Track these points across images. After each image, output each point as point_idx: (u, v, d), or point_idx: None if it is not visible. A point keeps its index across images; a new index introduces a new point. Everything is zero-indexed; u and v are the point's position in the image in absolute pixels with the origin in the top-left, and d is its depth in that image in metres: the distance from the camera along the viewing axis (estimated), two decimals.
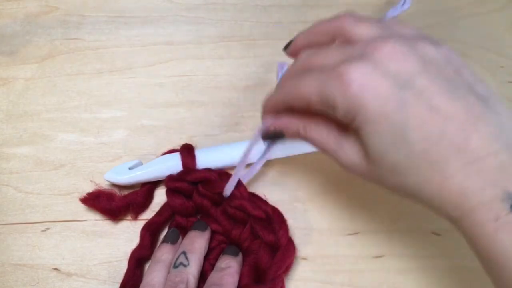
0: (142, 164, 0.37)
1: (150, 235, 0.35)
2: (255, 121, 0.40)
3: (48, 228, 0.37)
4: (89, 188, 0.37)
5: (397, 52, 0.25)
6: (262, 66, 0.42)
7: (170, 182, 0.35)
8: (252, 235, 0.34)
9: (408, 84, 0.25)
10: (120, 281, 0.34)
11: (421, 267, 0.35)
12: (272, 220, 0.34)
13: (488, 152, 0.24)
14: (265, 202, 0.35)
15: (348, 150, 0.28)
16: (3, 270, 0.36)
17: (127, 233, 0.37)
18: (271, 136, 0.31)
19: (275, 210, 0.35)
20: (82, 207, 0.37)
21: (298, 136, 0.30)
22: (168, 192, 0.36)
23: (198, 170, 0.36)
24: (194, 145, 0.37)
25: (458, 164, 0.24)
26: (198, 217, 0.36)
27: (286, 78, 0.30)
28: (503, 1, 0.45)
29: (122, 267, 0.35)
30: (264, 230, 0.34)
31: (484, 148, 0.24)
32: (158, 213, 0.36)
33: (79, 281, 0.35)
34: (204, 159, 0.36)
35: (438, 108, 0.25)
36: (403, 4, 0.40)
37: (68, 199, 0.38)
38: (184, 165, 0.36)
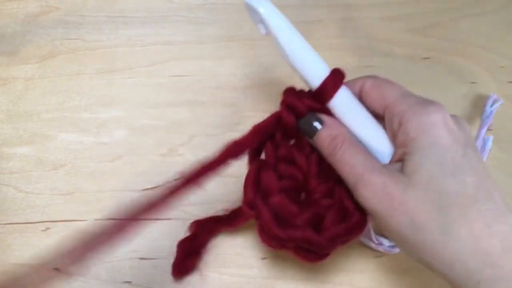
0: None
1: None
2: (255, 121, 0.39)
3: (48, 228, 0.37)
4: (90, 188, 0.37)
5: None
6: (262, 66, 0.42)
7: (297, 98, 0.30)
8: (327, 193, 0.30)
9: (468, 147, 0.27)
10: (121, 281, 0.34)
11: (421, 267, 0.35)
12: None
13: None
14: None
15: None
16: (3, 270, 0.36)
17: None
18: (304, 124, 0.30)
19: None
20: (82, 207, 0.37)
21: (330, 147, 0.29)
22: (284, 107, 0.31)
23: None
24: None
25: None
26: (292, 142, 0.32)
27: None
28: (503, 1, 0.45)
29: (122, 267, 0.35)
30: (347, 195, 0.29)
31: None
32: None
33: (79, 281, 0.35)
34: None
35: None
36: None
37: (68, 199, 0.38)
38: (323, 86, 0.29)
